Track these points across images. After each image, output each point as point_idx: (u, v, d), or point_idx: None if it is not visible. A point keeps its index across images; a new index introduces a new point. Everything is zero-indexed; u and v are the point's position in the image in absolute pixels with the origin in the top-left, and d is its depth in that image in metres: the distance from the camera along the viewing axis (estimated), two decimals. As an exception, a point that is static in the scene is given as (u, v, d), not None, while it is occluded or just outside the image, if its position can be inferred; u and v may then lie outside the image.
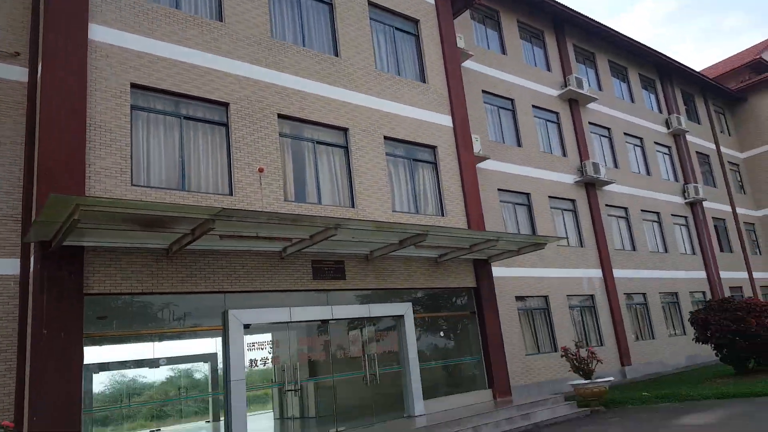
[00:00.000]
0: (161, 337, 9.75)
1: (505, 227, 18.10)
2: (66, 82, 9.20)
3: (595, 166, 21.05)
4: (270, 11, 12.56)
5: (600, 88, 24.10)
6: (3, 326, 8.85)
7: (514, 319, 16.94)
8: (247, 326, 10.30)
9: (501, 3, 20.81)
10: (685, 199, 25.93)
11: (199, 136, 10.91)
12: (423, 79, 15.14)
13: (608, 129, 23.67)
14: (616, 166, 23.33)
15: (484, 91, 18.97)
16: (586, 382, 12.36)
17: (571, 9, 22.25)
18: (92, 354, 9.00)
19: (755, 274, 28.87)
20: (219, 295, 10.36)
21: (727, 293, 26.31)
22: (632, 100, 25.67)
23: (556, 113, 21.54)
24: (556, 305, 18.42)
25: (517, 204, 18.85)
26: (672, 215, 25.10)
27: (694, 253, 25.53)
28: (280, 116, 11.86)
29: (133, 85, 10.15)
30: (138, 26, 10.42)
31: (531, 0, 21.43)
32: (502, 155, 18.70)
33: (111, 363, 9.39)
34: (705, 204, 27.06)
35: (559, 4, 21.81)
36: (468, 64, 18.45)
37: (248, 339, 10.62)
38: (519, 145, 19.61)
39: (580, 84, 21.79)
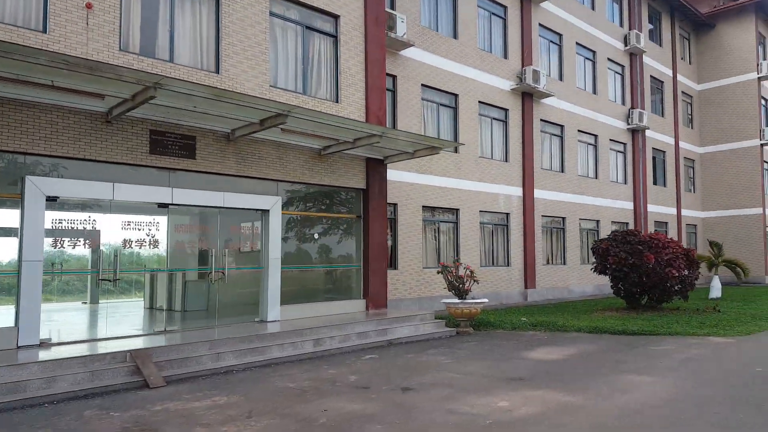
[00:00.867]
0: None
1: (424, 128, 16.36)
2: None
3: (536, 74, 19.20)
4: None
5: (559, -12, 21.70)
6: None
7: (417, 229, 15.70)
8: (52, 199, 8.43)
9: None
10: (628, 125, 24.69)
11: (2, -52, 8.33)
12: (337, -68, 12.49)
13: (560, 35, 21.58)
14: (561, 78, 21.55)
15: (420, -34, 16.38)
16: (458, 302, 11.37)
17: None
18: None
19: (684, 212, 28.68)
20: (19, 156, 8.36)
21: (652, 228, 26.03)
22: (593, 7, 23.43)
23: (504, 6, 19.21)
24: (467, 220, 17.28)
25: (441, 105, 16.99)
26: (610, 140, 23.91)
27: (625, 183, 24.74)
28: (126, -59, 9.30)
29: None
30: None
31: None
32: (433, 45, 16.53)
33: None
34: (648, 133, 25.98)
35: None
36: (405, -72, 15.70)
37: (57, 215, 8.81)
38: (455, 36, 17.41)
39: (535, -23, 19.36)
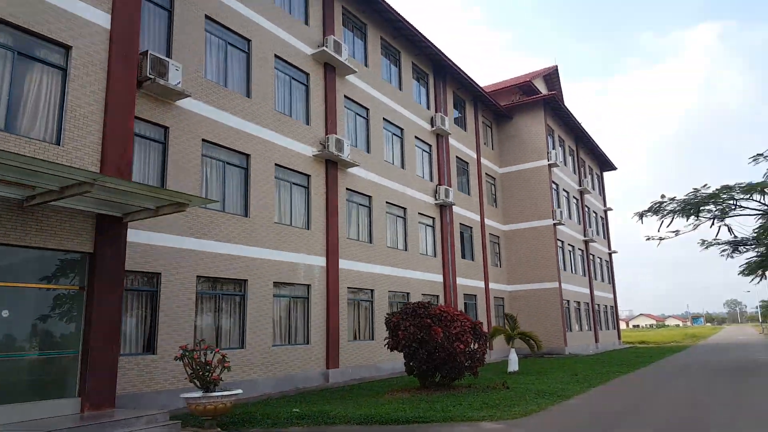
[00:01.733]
0: None
1: (205, 188, 14.56)
2: None
3: (339, 143, 18.69)
4: None
5: (366, 64, 22.04)
6: None
7: (188, 304, 13.43)
8: None
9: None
10: (436, 200, 25.29)
11: None
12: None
13: (366, 109, 21.69)
14: (368, 150, 21.41)
15: (207, 17, 15.22)
16: (199, 396, 9.05)
17: (344, -36, 19.74)
18: None
19: (492, 285, 29.77)
20: None
21: (461, 300, 26.36)
22: (400, 88, 24.22)
23: (306, 74, 18.71)
24: (258, 292, 15.41)
25: (229, 164, 15.42)
26: (419, 213, 24.15)
27: (435, 256, 24.95)
28: None
29: None
30: None
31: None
32: (219, 100, 15.13)
33: None
34: (455, 209, 26.88)
35: (330, -47, 19.13)
36: (190, -23, 14.56)
37: None
38: (248, 95, 16.24)
39: (338, 49, 19.30)
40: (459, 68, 27.53)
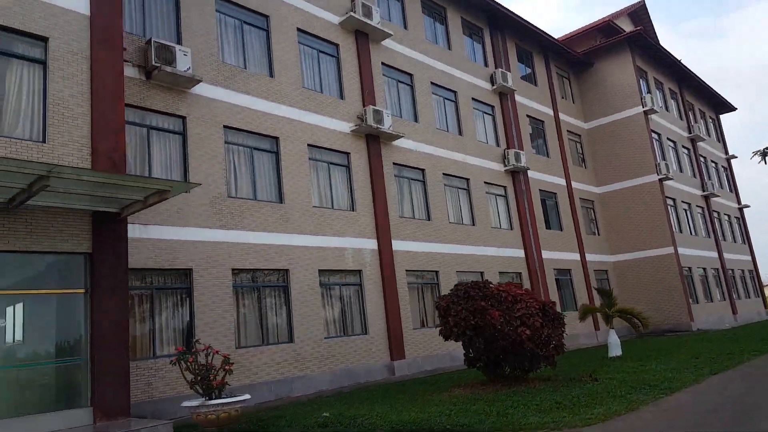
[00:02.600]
0: None
1: (232, 179, 15.06)
2: None
3: (378, 114, 18.57)
4: None
5: (405, 26, 21.75)
6: None
7: (225, 300, 13.93)
8: None
9: None
10: (505, 166, 24.39)
11: None
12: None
13: (410, 75, 21.38)
14: (416, 119, 21.10)
15: (215, -1, 15.74)
16: (197, 404, 8.69)
17: None
18: None
19: (590, 256, 28.22)
20: None
21: (551, 276, 25.23)
22: (449, 47, 23.65)
23: (335, 45, 18.81)
24: (301, 282, 15.68)
25: (257, 149, 15.84)
26: (486, 183, 23.41)
27: (511, 228, 24.07)
28: None
29: None
30: None
31: None
32: (238, 83, 15.57)
33: None
34: (531, 174, 25.77)
35: None
36: (192, -40, 15.14)
37: None
38: (271, 75, 16.61)
39: (368, 12, 19.20)
40: (518, 17, 26.40)
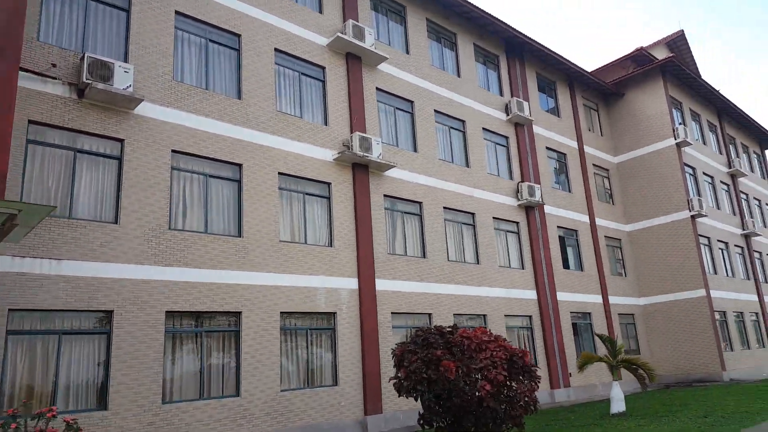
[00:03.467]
0: None
1: (176, 210, 12.21)
2: None
3: (366, 141, 15.42)
4: None
5: (407, 51, 18.61)
6: None
7: (154, 346, 11.00)
8: None
9: None
10: (519, 200, 20.61)
11: None
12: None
13: (410, 102, 18.16)
14: (414, 149, 17.80)
15: (178, 13, 13.10)
16: None
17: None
18: None
19: (614, 299, 23.78)
20: None
21: (567, 320, 21.08)
22: (458, 74, 20.30)
23: (321, 67, 15.89)
24: (257, 326, 12.58)
25: (212, 176, 12.99)
26: (495, 218, 19.71)
27: (522, 268, 20.17)
28: None
29: None
30: None
31: None
32: (196, 104, 12.81)
33: None
34: (548, 210, 21.85)
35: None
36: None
37: None
38: (239, 96, 13.82)
39: (359, 34, 16.21)
40: (539, 44, 22.78)
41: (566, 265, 22.15)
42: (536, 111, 22.97)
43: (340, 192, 15.19)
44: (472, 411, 9.41)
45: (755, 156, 35.51)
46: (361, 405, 14.01)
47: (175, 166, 12.27)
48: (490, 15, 20.72)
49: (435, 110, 18.77)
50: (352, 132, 15.71)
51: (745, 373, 24.37)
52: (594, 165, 25.59)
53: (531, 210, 20.95)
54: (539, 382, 10.00)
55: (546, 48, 23.01)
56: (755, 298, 28.46)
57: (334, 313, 14.16)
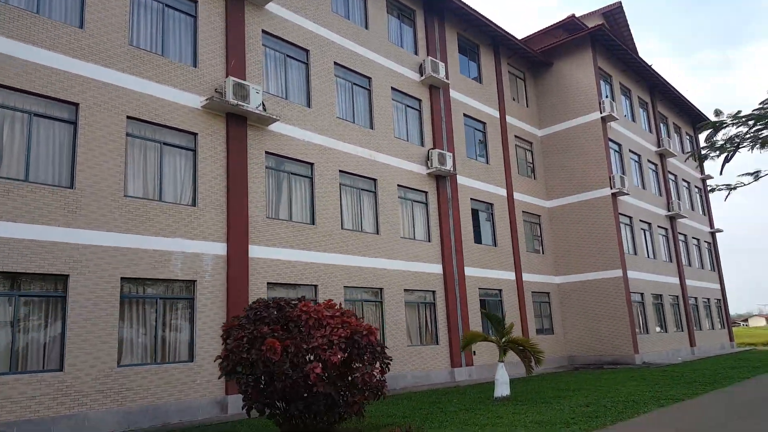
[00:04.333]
0: None
1: (1, 155, 10.54)
2: None
3: (242, 89, 13.98)
4: None
5: (306, -5, 17.18)
6: None
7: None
8: None
9: None
10: (428, 168, 19.69)
11: None
12: None
13: (305, 51, 16.78)
14: (308, 104, 16.48)
15: None
16: None
17: None
18: None
19: (529, 277, 23.40)
20: None
21: (475, 295, 20.48)
22: (366, 25, 19.01)
23: (193, 1, 14.27)
24: (89, 293, 11.12)
25: (42, 117, 11.30)
26: (401, 186, 18.73)
27: (429, 240, 19.35)
28: None
29: None
30: None
31: None
32: (18, 28, 11.07)
33: None
34: (462, 180, 21.05)
35: None
36: None
37: None
38: (81, 26, 12.08)
39: (242, -33, 14.65)
40: (462, 2, 21.70)
41: (478, 240, 21.51)
42: (455, 75, 22.01)
43: (210, 145, 13.75)
44: (302, 397, 8.35)
45: (687, 137, 36.02)
46: (222, 384, 12.82)
47: (-16, 100, 10.54)
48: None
49: (335, 63, 17.46)
50: (227, 77, 14.22)
51: (660, 357, 24.64)
52: (516, 137, 24.98)
53: (442, 179, 20.08)
54: (389, 364, 9.00)
55: (468, 7, 21.97)
56: (677, 280, 28.89)
57: (194, 281, 12.83)
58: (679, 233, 30.56)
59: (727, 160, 12.92)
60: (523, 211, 24.09)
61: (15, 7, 11.13)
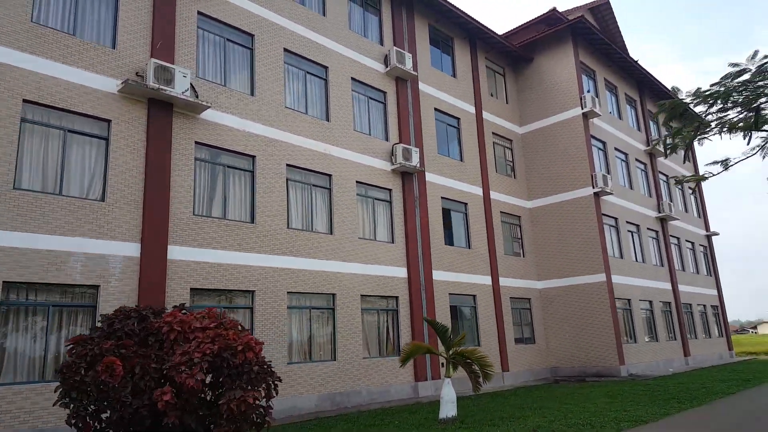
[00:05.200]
0: None
1: None
2: None
3: (166, 72, 12.18)
4: None
5: (252, -24, 15.41)
6: None
7: None
8: None
9: None
10: (393, 164, 17.80)
11: None
12: None
13: (250, 36, 14.99)
14: (251, 92, 14.66)
15: None
16: None
17: None
18: None
19: (508, 281, 21.34)
20: None
21: (445, 302, 18.47)
22: (323, 12, 17.20)
23: (112, -23, 12.55)
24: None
25: None
26: (360, 183, 16.84)
27: (392, 242, 17.41)
28: None
29: None
30: None
31: None
32: None
33: None
34: (431, 178, 19.12)
35: None
36: None
37: None
38: (-31, -2, 10.39)
39: (170, -61, 12.90)
40: (431, -10, 19.87)
41: (450, 241, 19.53)
42: (425, 67, 20.15)
43: (126, 133, 11.95)
44: (148, 430, 6.46)
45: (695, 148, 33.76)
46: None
47: None
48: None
49: (285, 49, 15.65)
50: (152, 58, 12.42)
51: (650, 368, 22.46)
52: (495, 134, 23.02)
53: (408, 177, 18.16)
54: (275, 387, 7.08)
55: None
56: (668, 286, 26.67)
57: (98, 287, 10.98)
58: (672, 236, 28.36)
59: (687, 146, 10.91)
60: (501, 212, 22.09)
61: None
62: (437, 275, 18.31)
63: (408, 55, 18.79)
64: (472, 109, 21.99)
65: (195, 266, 12.45)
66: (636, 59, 26.34)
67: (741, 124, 9.92)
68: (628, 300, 22.76)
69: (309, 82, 16.33)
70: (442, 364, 17.10)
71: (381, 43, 18.88)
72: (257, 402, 6.69)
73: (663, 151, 10.59)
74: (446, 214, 19.69)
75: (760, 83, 9.18)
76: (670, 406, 11.57)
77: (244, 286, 13.27)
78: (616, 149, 25.04)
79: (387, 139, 18.13)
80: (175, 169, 12.53)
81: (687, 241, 30.31)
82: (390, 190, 17.71)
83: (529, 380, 20.49)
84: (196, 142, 13.11)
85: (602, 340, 20.88)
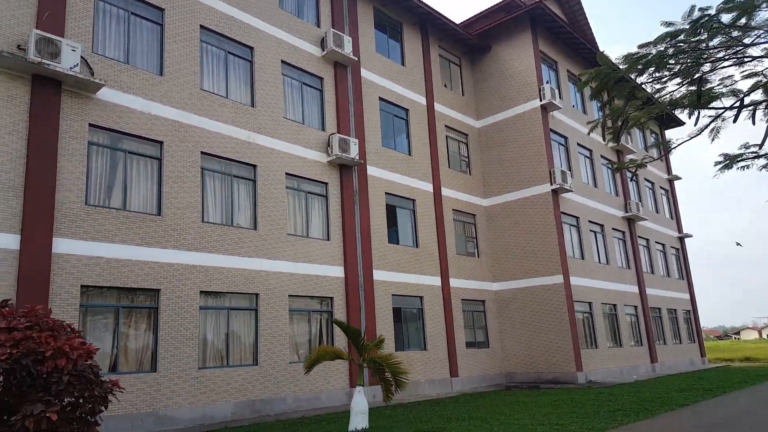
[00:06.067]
0: None
1: None
2: None
3: (50, 44, 11.32)
4: None
5: (166, -54, 14.63)
6: None
7: None
8: None
9: None
10: (329, 155, 17.08)
11: None
12: None
13: (160, 10, 14.16)
14: (160, 72, 13.83)
15: None
16: None
17: None
18: None
19: (459, 282, 20.68)
20: None
21: (387, 303, 17.74)
22: (250, -11, 16.51)
23: (-7, -61, 11.67)
24: None
25: None
26: (290, 175, 16.07)
27: (327, 239, 16.66)
28: None
29: None
30: None
31: None
32: None
33: None
34: (374, 172, 18.43)
35: None
36: None
37: None
38: None
39: None
40: (376, -29, 19.27)
41: (394, 239, 18.84)
42: (369, 53, 19.51)
43: (5, 112, 11.04)
44: None
45: (653, 135, 33.69)
46: None
47: None
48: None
49: (202, 26, 14.87)
50: (33, 30, 11.55)
51: (611, 374, 21.94)
52: (448, 127, 22.45)
53: (347, 170, 17.45)
54: (104, 399, 6.24)
55: (387, -21, 19.58)
56: (635, 289, 26.29)
57: (-36, 282, 10.05)
58: (640, 237, 28.05)
59: (621, 129, 10.26)
60: (454, 209, 21.48)
61: None
62: (379, 275, 17.59)
63: (348, 38, 18.13)
64: (422, 100, 21.40)
65: (87, 261, 11.55)
66: (603, 50, 26.04)
67: (686, 101, 9.29)
68: (589, 303, 22.26)
69: (231, 63, 15.56)
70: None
71: (318, 24, 18.20)
72: (78, 416, 5.83)
73: (603, 134, 9.76)
74: (391, 210, 19.01)
75: (696, 44, 8.51)
76: (612, 419, 10.90)
77: (147, 284, 12.39)
78: (579, 145, 24.66)
79: (323, 129, 17.41)
80: (63, 153, 11.64)
81: (657, 242, 30.05)
82: (326, 183, 16.97)
83: (480, 386, 19.82)
84: (91, 125, 12.24)
85: (559, 345, 20.31)
